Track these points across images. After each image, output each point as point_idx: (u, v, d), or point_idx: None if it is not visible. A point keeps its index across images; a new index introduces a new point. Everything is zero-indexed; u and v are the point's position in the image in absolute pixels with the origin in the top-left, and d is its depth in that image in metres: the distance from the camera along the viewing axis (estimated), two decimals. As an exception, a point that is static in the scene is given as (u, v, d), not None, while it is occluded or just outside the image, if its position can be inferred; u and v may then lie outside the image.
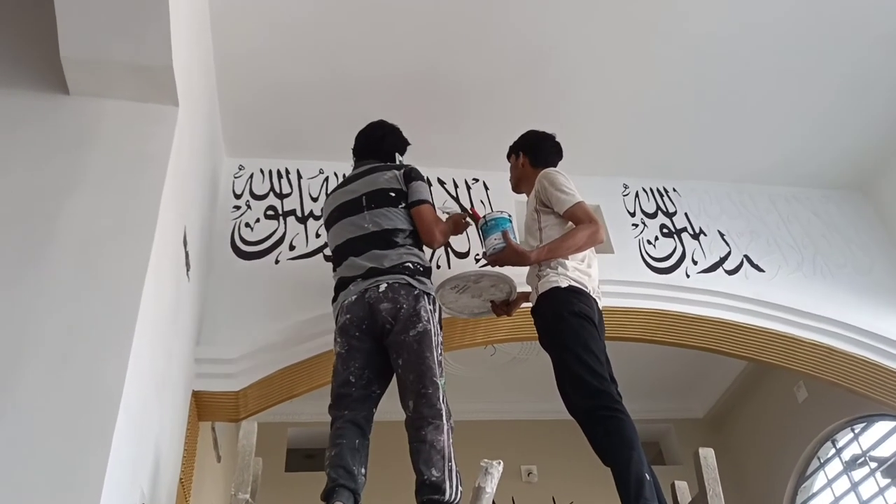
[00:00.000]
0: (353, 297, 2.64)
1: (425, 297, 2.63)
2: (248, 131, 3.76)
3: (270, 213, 3.68)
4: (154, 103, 2.52)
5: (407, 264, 2.67)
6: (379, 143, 3.05)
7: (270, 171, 3.84)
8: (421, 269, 2.71)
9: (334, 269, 2.84)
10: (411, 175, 2.86)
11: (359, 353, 2.59)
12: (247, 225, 3.61)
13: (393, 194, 2.81)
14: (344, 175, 3.11)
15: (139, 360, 2.10)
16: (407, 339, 2.54)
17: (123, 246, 2.23)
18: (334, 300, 2.77)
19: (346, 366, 2.58)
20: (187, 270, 2.81)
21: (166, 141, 2.48)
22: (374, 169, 2.91)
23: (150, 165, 2.41)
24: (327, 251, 3.58)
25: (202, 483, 3.61)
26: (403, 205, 2.80)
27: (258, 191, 3.76)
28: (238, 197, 3.71)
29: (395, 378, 2.62)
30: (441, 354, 2.57)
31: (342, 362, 2.60)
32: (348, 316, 2.62)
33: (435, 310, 2.66)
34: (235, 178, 3.78)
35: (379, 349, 2.62)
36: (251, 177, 3.80)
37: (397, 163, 3.00)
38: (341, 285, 2.74)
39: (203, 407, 3.15)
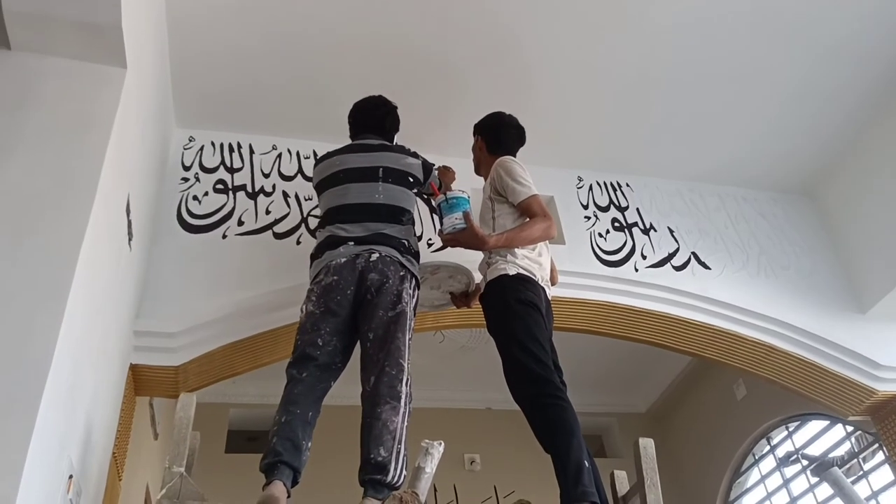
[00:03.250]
0: (343, 260, 2.63)
1: (409, 280, 2.67)
2: (200, 102, 3.66)
3: (220, 186, 3.59)
4: (101, 64, 2.44)
5: (403, 241, 2.74)
6: (382, 121, 3.11)
7: (222, 145, 3.75)
8: (413, 250, 2.79)
9: (322, 226, 2.83)
10: (430, 170, 3.04)
11: (333, 317, 2.55)
12: (194, 198, 3.51)
13: (411, 179, 2.93)
14: (327, 151, 3.07)
15: (72, 328, 2.03)
16: (384, 315, 2.53)
17: (61, 209, 2.16)
18: (316, 256, 2.74)
19: (317, 326, 2.54)
20: (129, 239, 2.73)
21: (112, 104, 2.40)
22: (389, 147, 3.00)
23: (94, 128, 2.33)
24: (277, 228, 3.55)
25: (137, 459, 3.53)
26: (415, 191, 2.98)
27: (208, 164, 3.66)
28: (187, 169, 3.61)
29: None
30: (411, 339, 2.57)
31: (313, 322, 2.55)
32: (335, 278, 2.60)
33: (414, 295, 2.70)
34: (185, 149, 3.68)
35: (352, 320, 2.59)
36: (202, 149, 3.70)
37: (401, 146, 3.07)
38: (330, 244, 2.71)
39: (141, 381, 3.07)
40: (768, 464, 5.44)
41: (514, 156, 3.10)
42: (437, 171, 3.15)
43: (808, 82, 3.98)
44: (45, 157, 2.23)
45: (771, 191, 4.60)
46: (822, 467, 4.43)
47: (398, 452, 2.28)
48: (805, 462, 5.02)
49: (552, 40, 3.61)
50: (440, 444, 2.12)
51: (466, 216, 2.75)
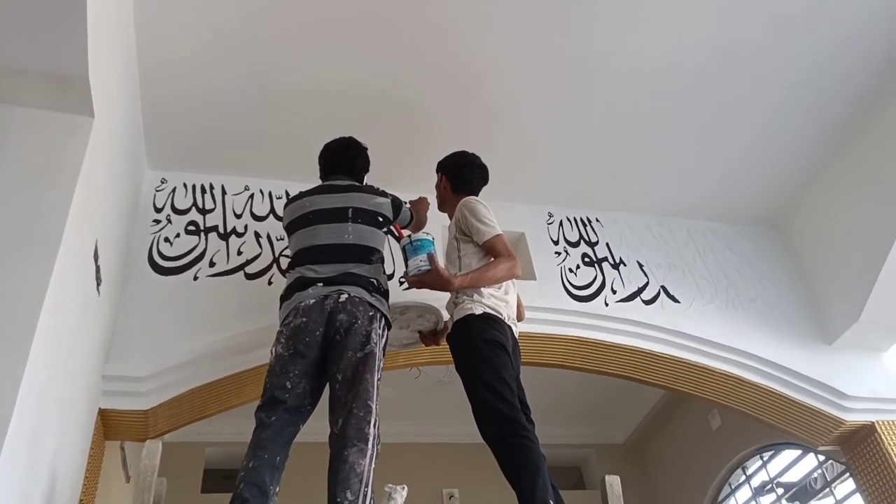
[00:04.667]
0: (312, 301, 2.65)
1: (378, 320, 2.69)
2: (172, 145, 3.69)
3: (191, 228, 3.61)
4: (68, 113, 2.46)
5: (372, 280, 2.77)
6: (352, 161, 3.16)
7: (194, 186, 3.78)
8: (382, 289, 2.81)
9: (292, 267, 2.85)
10: (400, 207, 3.09)
11: (302, 359, 2.57)
12: (166, 240, 3.53)
13: (381, 219, 2.97)
14: (300, 190, 3.09)
15: (34, 378, 2.03)
16: (352, 357, 2.54)
17: (26, 257, 2.16)
18: (286, 298, 2.76)
19: (286, 369, 2.55)
20: (98, 285, 2.74)
21: (79, 152, 2.42)
22: (358, 188, 3.04)
23: (60, 176, 2.35)
24: (249, 269, 3.57)
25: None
26: (385, 230, 3.00)
27: (180, 205, 3.69)
28: (159, 211, 3.63)
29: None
30: (380, 379, 2.58)
31: (282, 365, 2.56)
32: (304, 320, 2.62)
33: (384, 335, 2.72)
34: (157, 191, 3.70)
35: (321, 362, 2.60)
36: (173, 191, 3.73)
37: (371, 186, 3.11)
38: (299, 286, 2.73)
39: (110, 426, 3.06)
40: (744, 493, 5.46)
41: (478, 195, 3.16)
42: (408, 206, 3.19)
43: (772, 119, 4.09)
44: (10, 206, 2.24)
45: (738, 224, 4.68)
46: (796, 495, 4.46)
47: (365, 495, 2.28)
48: (780, 490, 5.06)
49: (520, 81, 3.69)
50: (403, 488, 2.13)
51: (431, 258, 2.79)
